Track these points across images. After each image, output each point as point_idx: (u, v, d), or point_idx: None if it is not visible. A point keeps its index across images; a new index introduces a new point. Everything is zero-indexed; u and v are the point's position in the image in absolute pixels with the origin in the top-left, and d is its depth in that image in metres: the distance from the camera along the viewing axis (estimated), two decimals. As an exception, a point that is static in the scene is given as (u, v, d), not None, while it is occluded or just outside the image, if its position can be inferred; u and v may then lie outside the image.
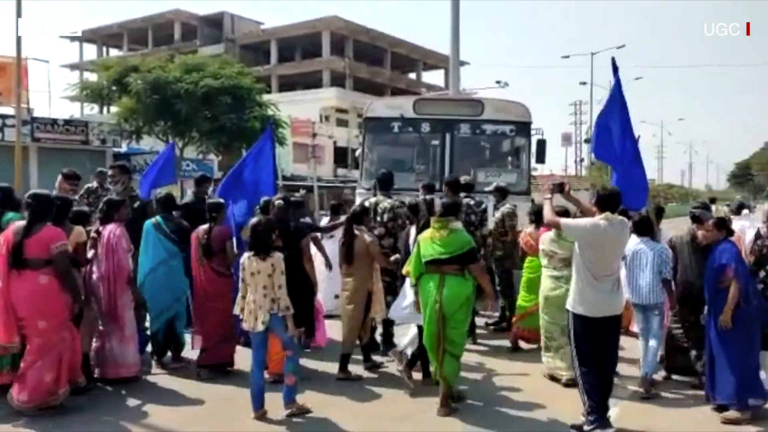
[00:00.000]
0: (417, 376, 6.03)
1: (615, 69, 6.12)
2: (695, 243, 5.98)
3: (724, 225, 5.56)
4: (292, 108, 39.25)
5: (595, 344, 4.79)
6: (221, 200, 6.55)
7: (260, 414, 5.12)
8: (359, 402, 5.68)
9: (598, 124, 6.26)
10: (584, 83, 44.31)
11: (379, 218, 6.88)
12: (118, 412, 5.33)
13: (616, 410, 5.19)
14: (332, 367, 6.35)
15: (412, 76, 62.60)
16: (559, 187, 5.23)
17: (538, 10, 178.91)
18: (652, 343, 5.96)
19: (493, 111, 10.08)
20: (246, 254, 5.22)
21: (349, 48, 52.38)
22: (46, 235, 5.00)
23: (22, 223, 5.08)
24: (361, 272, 6.20)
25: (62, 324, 5.12)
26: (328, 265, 7.70)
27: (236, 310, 5.30)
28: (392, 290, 6.58)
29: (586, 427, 4.80)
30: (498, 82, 39.09)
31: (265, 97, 30.58)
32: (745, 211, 9.12)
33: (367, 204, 6.89)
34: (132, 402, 5.59)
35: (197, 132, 27.32)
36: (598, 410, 4.75)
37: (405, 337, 6.37)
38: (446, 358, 5.31)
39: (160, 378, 6.25)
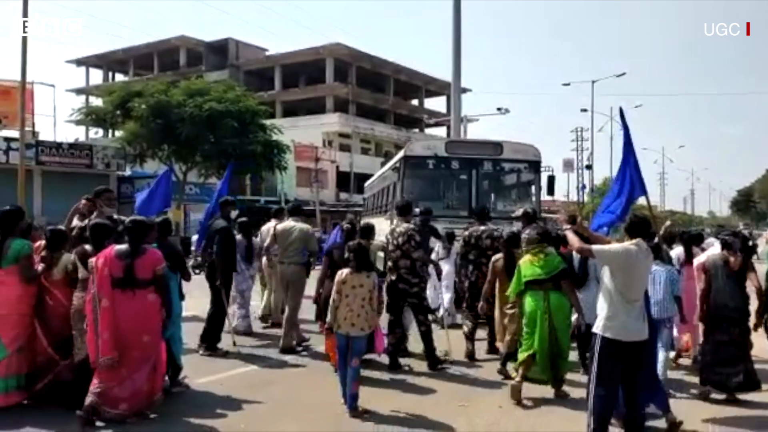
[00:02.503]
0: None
1: (623, 119, 6.77)
2: (728, 267, 6.32)
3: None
4: (295, 133, 39.50)
5: (620, 369, 4.83)
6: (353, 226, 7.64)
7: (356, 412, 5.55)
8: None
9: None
10: (585, 110, 44.69)
11: (395, 241, 7.23)
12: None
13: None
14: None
15: (415, 102, 63.10)
16: (572, 219, 5.62)
17: (539, 36, 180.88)
18: (663, 353, 6.34)
19: (510, 152, 12.15)
20: (346, 270, 5.81)
21: (352, 74, 52.89)
22: (151, 258, 5.41)
23: (124, 246, 5.39)
24: None
25: (158, 337, 5.55)
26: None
27: (329, 319, 5.82)
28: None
29: None
30: (499, 109, 39.37)
31: (269, 121, 30.77)
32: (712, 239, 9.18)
33: (388, 230, 7.57)
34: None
35: (200, 156, 27.45)
36: (602, 429, 4.77)
37: None
38: (560, 362, 6.16)
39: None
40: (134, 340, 5.30)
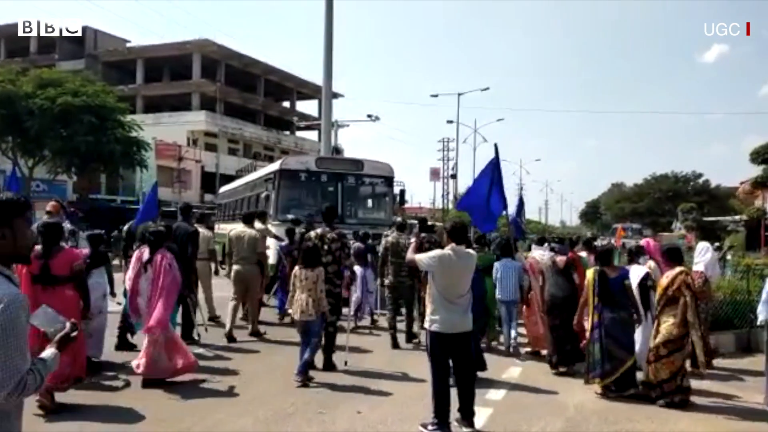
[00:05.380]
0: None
1: (496, 152, 8.44)
2: (555, 266, 7.80)
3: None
4: (157, 130, 37.81)
5: (448, 358, 5.39)
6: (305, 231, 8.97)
7: (304, 379, 6.75)
8: None
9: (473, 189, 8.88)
10: (451, 122, 46.36)
11: (326, 247, 7.61)
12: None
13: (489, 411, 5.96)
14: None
15: (286, 104, 62.42)
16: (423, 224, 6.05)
17: (411, 48, 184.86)
18: (507, 328, 8.48)
19: (369, 168, 14.41)
20: (297, 266, 7.15)
21: (220, 72, 51.28)
22: (68, 256, 5.90)
23: (38, 247, 5.71)
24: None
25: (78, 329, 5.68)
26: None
27: (287, 305, 7.57)
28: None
29: (429, 428, 5.30)
30: (369, 116, 39.81)
31: (129, 117, 29.16)
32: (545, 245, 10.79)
33: (312, 234, 7.82)
34: None
35: (48, 151, 25.54)
36: (441, 415, 5.27)
37: None
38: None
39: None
40: None
